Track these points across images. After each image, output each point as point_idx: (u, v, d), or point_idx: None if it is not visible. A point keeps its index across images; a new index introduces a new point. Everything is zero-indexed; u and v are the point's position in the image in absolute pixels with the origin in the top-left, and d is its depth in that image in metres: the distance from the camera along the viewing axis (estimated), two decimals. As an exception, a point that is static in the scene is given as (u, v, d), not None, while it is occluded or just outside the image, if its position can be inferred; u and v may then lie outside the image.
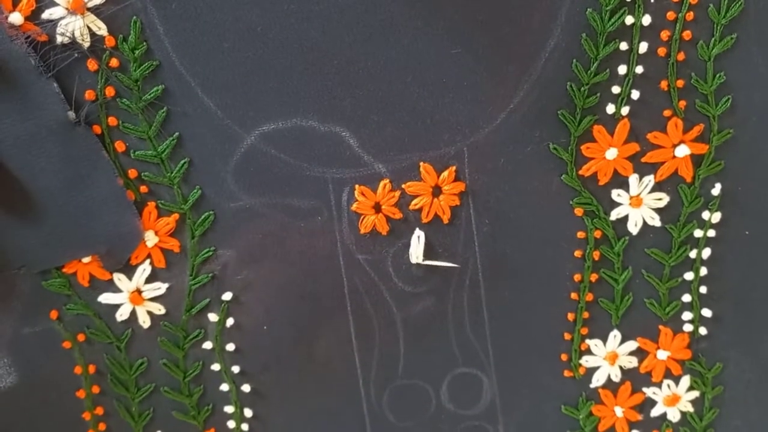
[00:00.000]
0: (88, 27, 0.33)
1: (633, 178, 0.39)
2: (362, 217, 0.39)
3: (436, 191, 0.39)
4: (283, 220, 0.38)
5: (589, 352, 0.42)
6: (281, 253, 0.39)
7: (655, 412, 0.44)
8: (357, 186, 0.38)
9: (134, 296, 0.38)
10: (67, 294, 0.38)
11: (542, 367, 0.43)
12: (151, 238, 0.37)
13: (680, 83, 0.37)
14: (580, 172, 0.39)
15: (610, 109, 0.38)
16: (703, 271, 0.41)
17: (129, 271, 0.38)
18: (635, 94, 0.38)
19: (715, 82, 0.37)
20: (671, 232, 0.40)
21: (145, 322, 0.39)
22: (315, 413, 0.42)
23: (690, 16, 0.36)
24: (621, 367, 0.43)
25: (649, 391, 0.44)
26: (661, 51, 0.37)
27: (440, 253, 0.40)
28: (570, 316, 0.42)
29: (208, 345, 0.40)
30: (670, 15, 0.36)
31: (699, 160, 0.39)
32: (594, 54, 0.37)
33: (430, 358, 0.42)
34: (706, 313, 0.42)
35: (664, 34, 0.37)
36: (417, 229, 0.39)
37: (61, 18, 0.33)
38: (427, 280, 0.40)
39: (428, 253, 0.39)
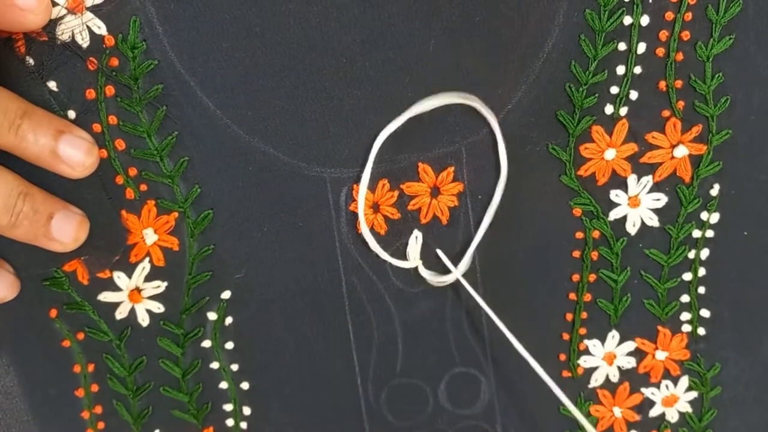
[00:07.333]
0: (87, 26, 0.34)
1: (631, 179, 0.39)
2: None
3: (435, 192, 0.39)
4: (281, 220, 0.38)
5: (587, 352, 0.42)
6: (279, 252, 0.39)
7: (653, 413, 0.44)
8: (355, 185, 0.38)
9: (133, 294, 0.38)
10: (66, 292, 0.38)
11: (540, 367, 0.43)
12: (150, 236, 0.37)
13: (679, 84, 0.37)
14: (579, 173, 0.39)
15: (609, 109, 0.38)
16: (702, 271, 0.41)
17: (128, 269, 0.38)
18: (634, 95, 0.38)
19: (713, 82, 0.37)
20: (670, 233, 0.40)
21: (144, 320, 0.39)
22: (313, 411, 0.42)
23: (688, 16, 0.36)
24: (619, 368, 0.43)
25: (648, 392, 0.44)
26: (660, 51, 0.37)
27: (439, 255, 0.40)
28: (568, 317, 0.42)
29: (206, 343, 0.40)
30: (669, 15, 0.36)
31: (697, 161, 0.39)
32: (592, 54, 0.37)
33: (428, 358, 0.42)
34: (705, 313, 0.42)
35: (663, 35, 0.37)
36: (415, 230, 0.39)
37: (60, 17, 0.33)
38: (426, 279, 0.40)
39: (427, 254, 0.40)
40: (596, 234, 0.40)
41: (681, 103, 0.38)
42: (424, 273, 0.39)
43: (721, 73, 0.37)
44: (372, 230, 0.39)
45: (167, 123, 0.36)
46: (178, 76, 0.35)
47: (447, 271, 0.40)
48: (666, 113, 0.38)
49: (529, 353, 0.42)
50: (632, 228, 0.40)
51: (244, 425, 0.42)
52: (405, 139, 0.37)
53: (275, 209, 0.38)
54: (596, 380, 0.43)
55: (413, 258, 0.39)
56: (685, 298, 0.42)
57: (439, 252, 0.39)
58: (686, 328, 0.42)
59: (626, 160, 0.39)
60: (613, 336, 0.42)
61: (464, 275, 0.40)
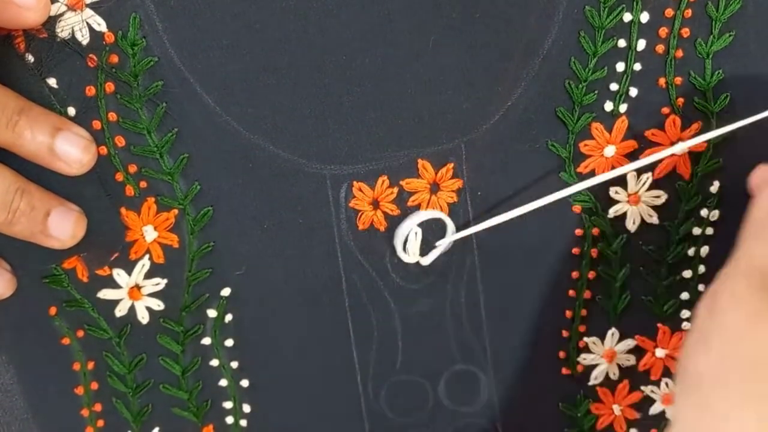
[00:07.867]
0: (87, 23, 0.34)
1: (631, 176, 0.39)
2: (360, 214, 0.39)
3: (434, 188, 0.39)
4: (281, 216, 0.38)
5: (587, 349, 0.42)
6: (279, 249, 0.39)
7: (653, 410, 0.44)
8: (355, 182, 0.38)
9: (133, 292, 0.38)
10: (66, 290, 0.38)
11: (540, 364, 0.43)
12: (150, 233, 0.37)
13: (678, 80, 0.37)
14: (578, 170, 0.39)
15: (608, 106, 0.38)
16: (702, 269, 0.41)
17: (128, 266, 0.38)
18: (633, 92, 0.38)
19: (713, 79, 0.38)
20: (669, 230, 0.40)
21: (143, 317, 0.39)
22: (313, 408, 0.42)
23: (688, 13, 0.36)
24: (619, 365, 0.43)
25: (648, 389, 0.44)
26: (660, 48, 0.37)
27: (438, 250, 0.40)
28: (568, 314, 0.42)
29: (206, 341, 0.40)
30: (669, 12, 0.36)
31: (697, 158, 0.39)
32: (592, 51, 0.37)
33: (428, 355, 0.42)
34: (705, 310, 0.42)
35: (663, 31, 0.37)
36: (415, 225, 0.39)
37: (60, 14, 0.33)
38: (425, 276, 0.40)
39: (426, 251, 0.40)
40: (596, 231, 0.40)
41: (681, 100, 0.38)
42: (425, 262, 0.39)
43: (720, 70, 0.37)
44: (372, 227, 0.39)
45: (167, 120, 0.36)
46: (178, 73, 0.35)
47: (446, 270, 0.40)
48: (666, 110, 0.38)
49: (528, 351, 0.42)
50: (632, 225, 0.40)
51: (243, 423, 0.42)
52: (405, 136, 0.38)
53: (275, 206, 0.38)
54: (596, 378, 0.43)
55: (413, 254, 0.39)
56: (684, 296, 0.42)
57: (443, 244, 0.39)
58: (686, 325, 0.42)
59: (626, 157, 0.39)
60: (613, 333, 0.42)
61: (463, 271, 0.40)
